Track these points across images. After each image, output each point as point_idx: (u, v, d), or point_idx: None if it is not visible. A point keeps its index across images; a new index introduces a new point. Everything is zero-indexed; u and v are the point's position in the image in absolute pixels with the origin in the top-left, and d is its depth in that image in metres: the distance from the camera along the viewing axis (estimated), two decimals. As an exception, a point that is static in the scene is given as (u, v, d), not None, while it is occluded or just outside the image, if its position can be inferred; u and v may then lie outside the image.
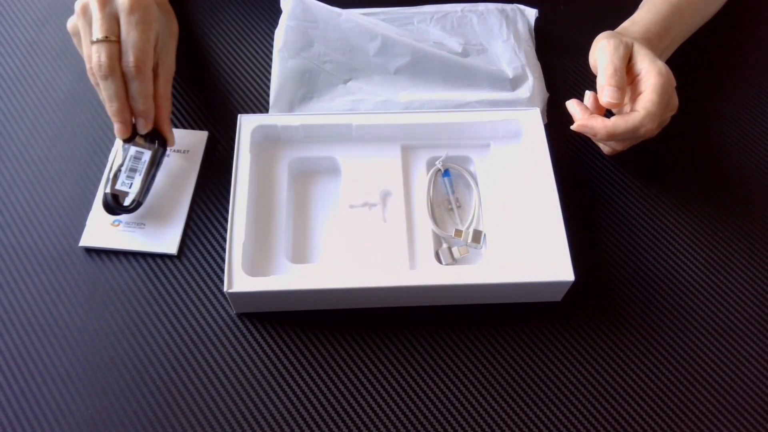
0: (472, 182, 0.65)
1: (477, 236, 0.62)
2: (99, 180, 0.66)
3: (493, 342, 0.59)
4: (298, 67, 0.70)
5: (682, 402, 0.57)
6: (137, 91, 0.60)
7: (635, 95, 0.61)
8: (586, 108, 0.63)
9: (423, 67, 0.71)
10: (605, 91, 0.60)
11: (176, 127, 0.70)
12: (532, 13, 0.77)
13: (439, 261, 0.61)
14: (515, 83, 0.70)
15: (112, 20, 0.59)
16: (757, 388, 0.58)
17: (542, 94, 0.71)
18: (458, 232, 0.62)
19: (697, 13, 0.74)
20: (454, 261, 0.61)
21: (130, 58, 0.59)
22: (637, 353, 0.59)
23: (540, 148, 0.64)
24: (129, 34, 0.59)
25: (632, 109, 0.61)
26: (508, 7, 0.77)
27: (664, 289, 0.62)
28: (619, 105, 0.61)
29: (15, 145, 0.68)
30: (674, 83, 0.62)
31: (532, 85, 0.70)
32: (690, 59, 0.75)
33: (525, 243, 0.62)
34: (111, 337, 0.58)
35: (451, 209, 0.65)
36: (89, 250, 0.62)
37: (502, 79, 0.70)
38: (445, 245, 0.62)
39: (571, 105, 0.64)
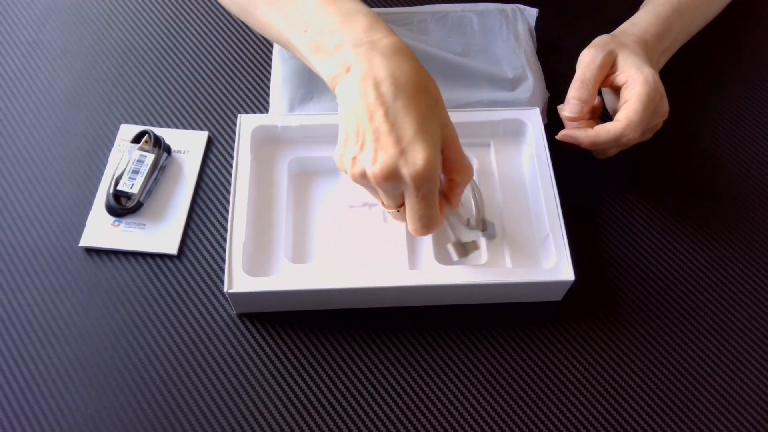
0: (474, 191, 0.63)
1: (485, 225, 0.60)
2: (99, 180, 0.66)
3: (493, 342, 0.59)
4: (298, 67, 0.70)
5: (682, 402, 0.57)
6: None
7: (621, 103, 0.62)
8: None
9: (423, 67, 0.71)
10: (566, 104, 0.62)
11: (176, 127, 0.70)
12: (532, 14, 0.77)
13: (450, 257, 0.59)
14: (515, 83, 0.70)
15: (399, 196, 0.52)
16: (757, 388, 0.58)
17: (542, 94, 0.71)
18: (468, 223, 0.60)
19: (698, 14, 0.74)
20: (466, 255, 0.59)
21: (418, 226, 0.53)
22: (637, 353, 0.59)
23: (540, 148, 0.64)
24: (414, 208, 0.52)
25: (615, 118, 0.61)
26: (508, 7, 0.77)
27: (664, 289, 0.62)
28: (578, 119, 0.62)
29: (15, 145, 0.68)
30: (662, 91, 0.62)
31: (532, 85, 0.70)
32: (690, 60, 0.75)
33: (525, 243, 0.62)
34: (111, 337, 0.58)
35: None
36: (89, 250, 0.62)
37: (502, 79, 0.70)
38: (454, 239, 0.59)
39: (562, 110, 0.64)
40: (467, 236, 0.61)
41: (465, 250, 0.59)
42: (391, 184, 0.50)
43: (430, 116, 0.49)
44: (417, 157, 0.48)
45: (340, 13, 0.52)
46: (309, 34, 0.53)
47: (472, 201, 0.62)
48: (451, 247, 0.59)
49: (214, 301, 0.60)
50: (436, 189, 0.51)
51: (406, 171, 0.48)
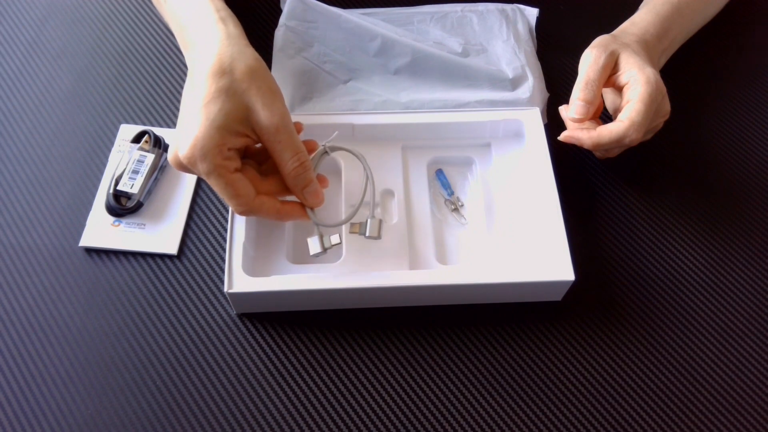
0: (366, 170, 0.59)
1: (375, 226, 0.57)
2: (99, 180, 0.66)
3: (493, 342, 0.59)
4: (298, 67, 0.70)
5: (682, 402, 0.57)
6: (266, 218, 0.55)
7: (624, 103, 0.61)
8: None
9: (423, 67, 0.71)
10: (572, 106, 0.62)
11: (176, 127, 0.70)
12: (532, 13, 0.77)
13: (309, 250, 0.57)
14: (515, 83, 0.70)
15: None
16: (757, 388, 0.58)
17: (542, 94, 0.71)
18: (355, 226, 0.58)
19: (698, 14, 0.74)
20: (324, 251, 0.56)
21: (230, 206, 0.52)
22: (637, 353, 0.59)
23: (540, 148, 0.64)
24: (213, 187, 0.51)
25: (618, 119, 0.61)
26: (508, 7, 0.77)
27: (664, 289, 0.62)
28: (585, 120, 0.62)
29: (15, 145, 0.68)
30: (664, 91, 0.62)
31: (532, 85, 0.70)
32: (689, 59, 0.75)
33: (525, 243, 0.62)
34: (111, 337, 0.58)
35: (455, 209, 0.65)
36: (89, 250, 0.62)
37: (502, 79, 0.70)
38: (316, 234, 0.56)
39: (564, 111, 0.64)
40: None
41: (323, 244, 0.56)
42: (181, 168, 0.51)
43: (217, 97, 0.49)
44: (183, 137, 0.49)
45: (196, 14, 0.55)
46: (180, 32, 0.58)
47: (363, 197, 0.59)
48: (309, 241, 0.57)
49: (214, 301, 0.60)
50: (220, 170, 0.49)
51: (178, 151, 0.50)
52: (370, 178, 0.59)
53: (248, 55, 0.51)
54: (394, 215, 0.62)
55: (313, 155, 0.58)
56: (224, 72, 0.50)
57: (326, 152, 0.59)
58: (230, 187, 0.50)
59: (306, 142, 0.55)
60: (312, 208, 0.56)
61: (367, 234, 0.58)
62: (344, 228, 0.60)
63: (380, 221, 0.58)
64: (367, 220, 0.58)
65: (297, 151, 0.52)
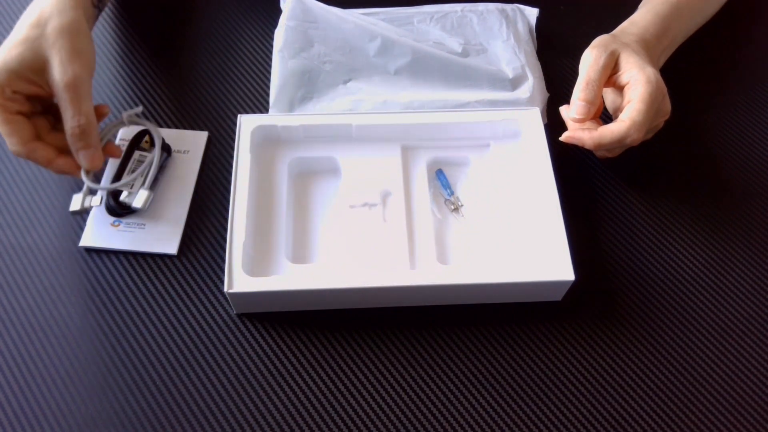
0: (156, 145, 0.63)
1: (142, 198, 0.61)
2: (99, 180, 0.66)
3: (493, 342, 0.59)
4: (298, 67, 0.70)
5: (682, 402, 0.57)
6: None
7: (624, 103, 0.61)
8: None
9: (423, 67, 0.71)
10: (573, 106, 0.62)
11: (176, 127, 0.70)
12: (532, 13, 0.77)
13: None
14: (515, 83, 0.70)
15: None
16: (757, 388, 0.58)
17: (542, 94, 0.71)
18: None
19: (697, 13, 0.74)
20: (85, 210, 0.61)
21: None
22: (637, 353, 0.59)
23: (540, 148, 0.64)
24: None
25: (619, 119, 0.61)
26: (508, 7, 0.77)
27: (664, 289, 0.62)
28: (586, 120, 0.62)
29: (15, 145, 0.68)
30: (664, 90, 0.62)
31: (532, 85, 0.70)
32: (689, 58, 0.75)
33: (525, 243, 0.62)
34: (111, 337, 0.58)
35: (455, 209, 0.65)
36: (89, 250, 0.62)
37: (502, 79, 0.70)
38: (81, 192, 0.60)
39: (564, 111, 0.64)
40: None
41: (83, 203, 0.60)
42: None
43: (21, 44, 0.54)
44: None
45: None
46: None
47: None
48: (74, 197, 0.60)
49: (214, 301, 0.60)
50: None
51: None
52: (156, 153, 0.62)
53: (68, 14, 0.56)
54: (394, 215, 0.62)
55: (107, 123, 0.63)
56: (39, 24, 0.55)
57: (123, 123, 0.63)
58: (6, 125, 0.55)
59: (97, 107, 0.59)
60: (87, 171, 0.58)
61: (133, 204, 0.61)
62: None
63: (151, 194, 0.61)
64: (138, 191, 0.61)
65: (79, 113, 0.55)
